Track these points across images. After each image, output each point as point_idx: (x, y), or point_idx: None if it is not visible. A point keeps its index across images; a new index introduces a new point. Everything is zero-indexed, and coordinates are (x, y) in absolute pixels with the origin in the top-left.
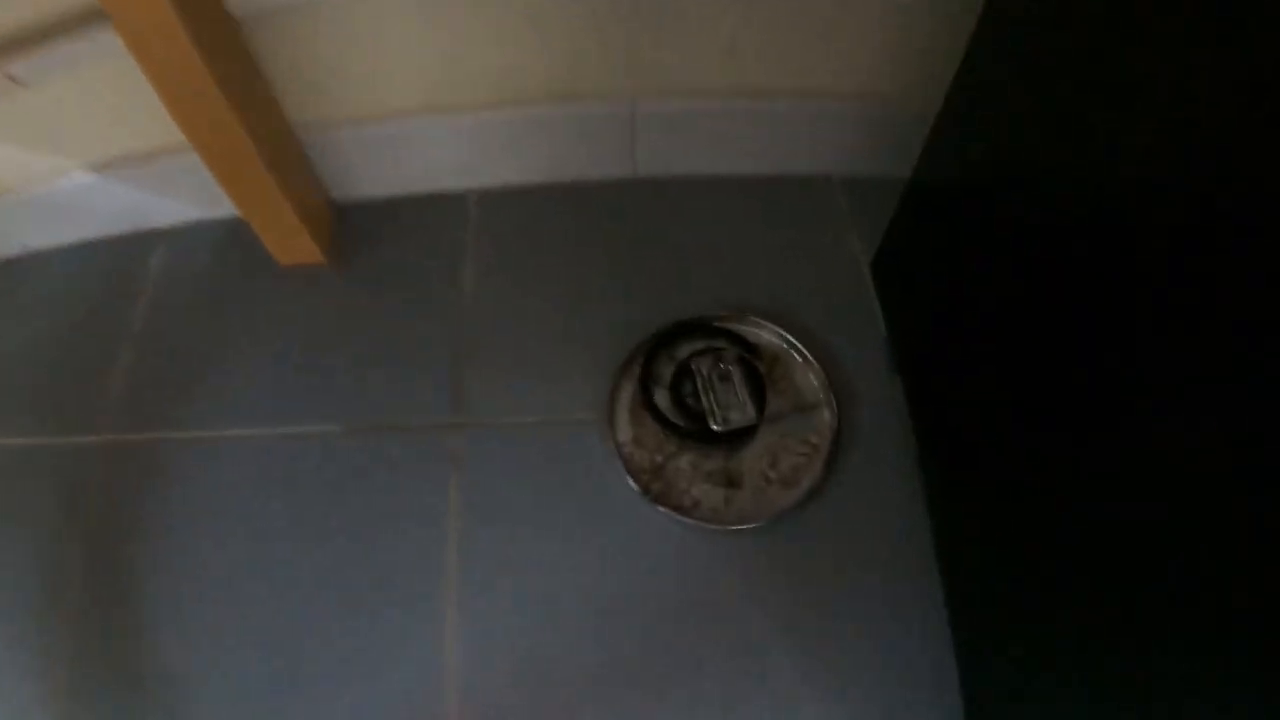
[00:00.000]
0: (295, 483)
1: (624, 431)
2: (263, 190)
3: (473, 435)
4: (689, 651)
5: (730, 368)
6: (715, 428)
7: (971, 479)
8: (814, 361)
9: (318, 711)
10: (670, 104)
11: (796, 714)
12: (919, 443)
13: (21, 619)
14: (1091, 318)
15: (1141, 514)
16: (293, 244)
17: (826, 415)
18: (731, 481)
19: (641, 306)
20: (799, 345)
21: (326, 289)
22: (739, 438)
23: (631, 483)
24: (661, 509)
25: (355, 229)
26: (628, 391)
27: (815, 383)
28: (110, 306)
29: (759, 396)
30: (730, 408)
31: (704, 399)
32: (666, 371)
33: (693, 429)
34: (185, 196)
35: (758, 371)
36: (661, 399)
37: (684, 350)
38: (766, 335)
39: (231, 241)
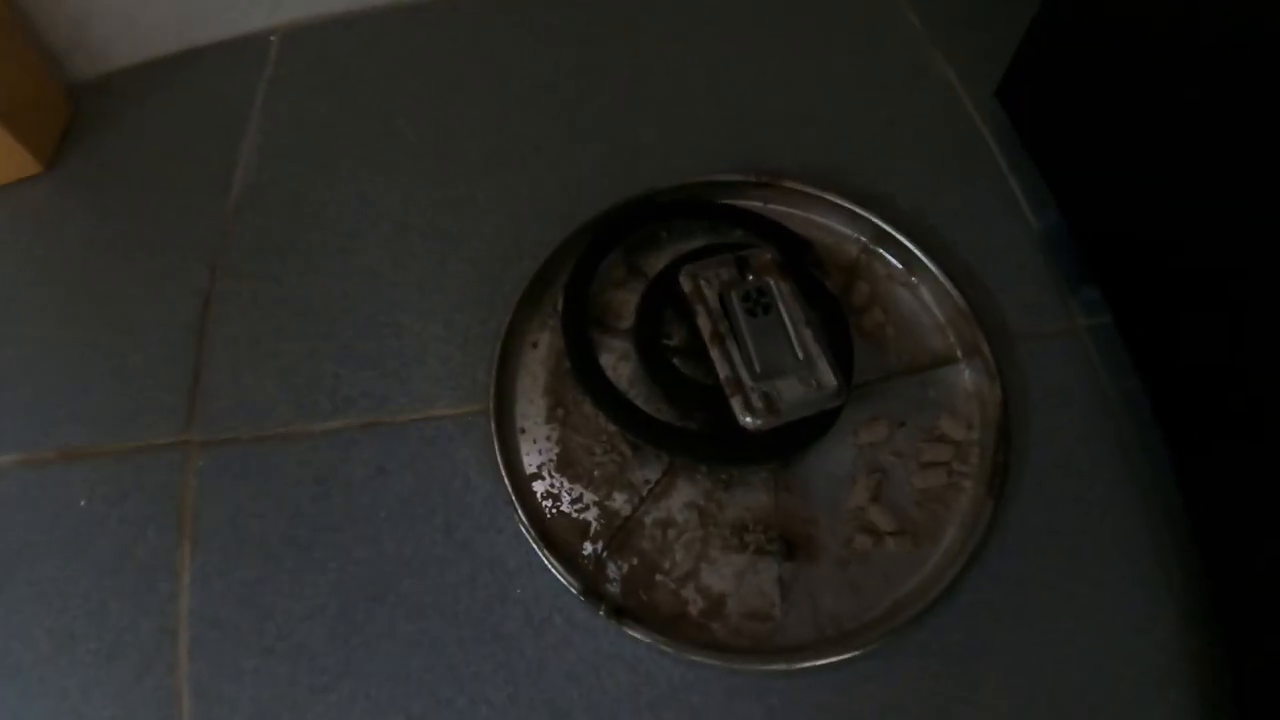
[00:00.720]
0: None
1: (535, 444)
2: None
3: (219, 460)
4: None
5: (771, 287)
6: (747, 421)
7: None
8: (929, 268)
9: None
10: None
11: None
12: (1160, 419)
13: None
14: None
15: None
16: None
17: (969, 377)
18: (790, 544)
19: (568, 174)
20: (895, 236)
21: (32, 218)
22: (799, 439)
23: (559, 572)
24: (635, 631)
25: (96, 115)
26: (540, 352)
27: (938, 313)
28: None
29: (836, 347)
30: (776, 374)
31: (716, 357)
32: (622, 303)
33: (692, 427)
34: None
35: (828, 294)
36: (614, 363)
37: (658, 257)
38: (825, 222)
39: None
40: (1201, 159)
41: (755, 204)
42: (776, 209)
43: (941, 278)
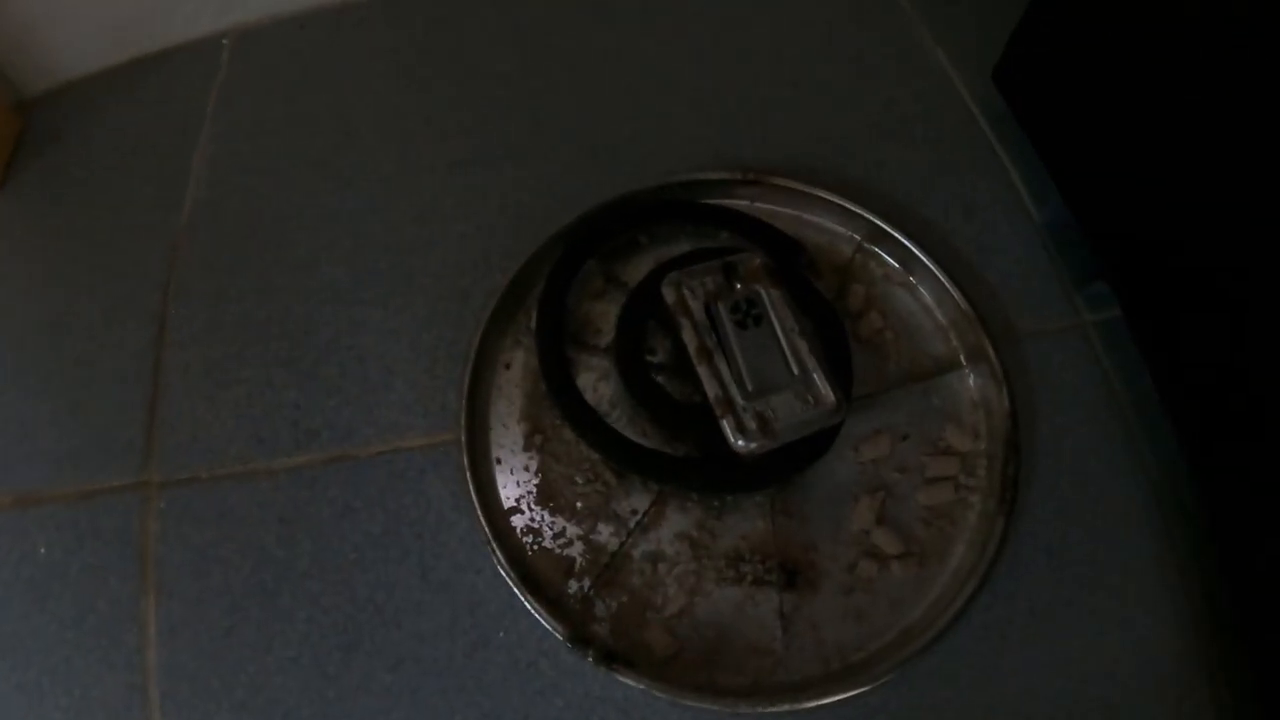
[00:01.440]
0: None
1: (512, 474)
2: None
3: (179, 502)
4: None
5: (761, 296)
6: (739, 444)
7: None
8: (929, 267)
9: None
10: None
11: None
12: (1173, 417)
13: None
14: None
15: None
16: None
17: (974, 383)
18: (789, 573)
19: (539, 177)
20: (890, 233)
21: None
22: (797, 460)
23: (541, 615)
24: (626, 676)
25: (50, 128)
26: (514, 373)
27: (939, 314)
28: None
29: (833, 358)
30: (769, 391)
31: (704, 375)
32: (601, 316)
33: (680, 451)
34: None
35: (822, 301)
36: (594, 382)
37: (638, 265)
38: (817, 220)
39: None
40: (1214, 141)
41: (742, 203)
42: (764, 208)
43: (941, 276)
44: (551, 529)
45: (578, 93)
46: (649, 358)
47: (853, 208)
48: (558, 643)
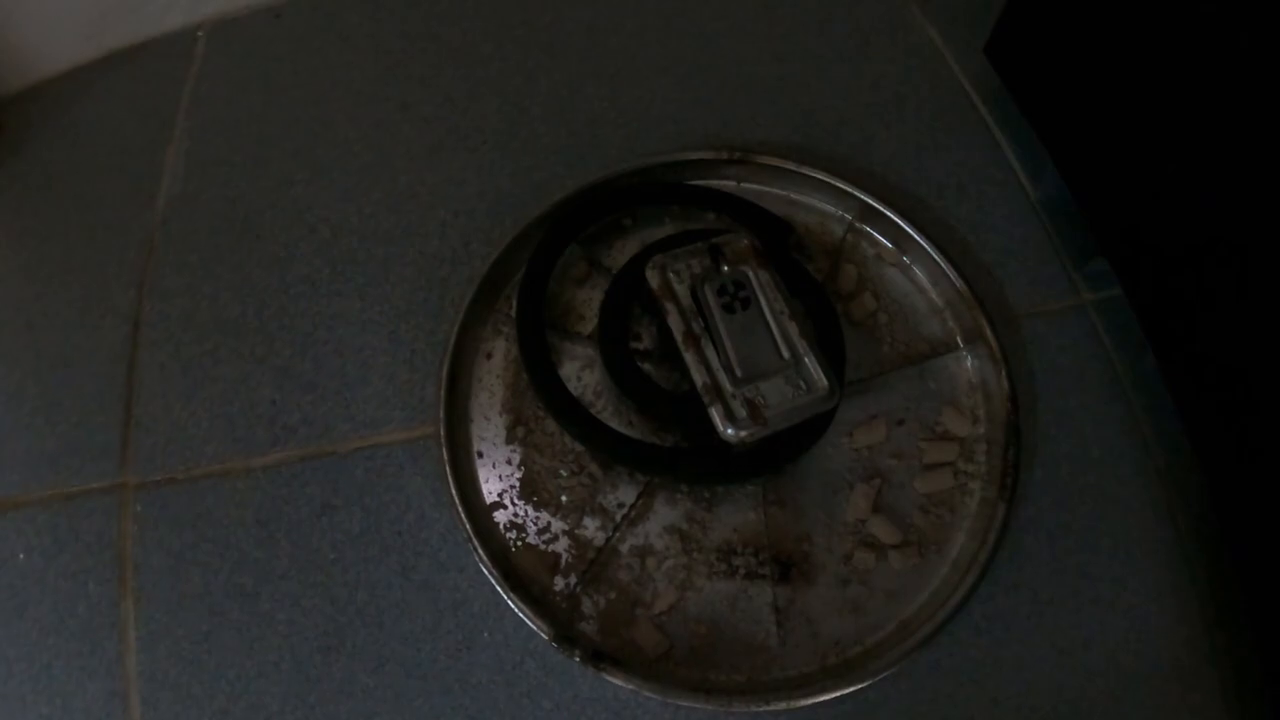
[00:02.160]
0: None
1: (494, 468)
2: None
3: (156, 503)
4: None
5: (749, 278)
6: (729, 433)
7: None
8: (924, 246)
9: None
10: None
11: None
12: (1177, 398)
13: None
14: None
15: None
16: None
17: (971, 365)
18: (783, 565)
19: (518, 160)
20: (883, 212)
21: None
22: (789, 448)
23: (526, 615)
24: (615, 677)
25: (23, 126)
26: (496, 362)
27: (934, 294)
28: None
29: (825, 341)
30: (759, 377)
31: (691, 361)
32: (584, 302)
33: (667, 440)
34: None
35: (812, 282)
36: (579, 371)
37: (623, 249)
38: (806, 199)
39: None
40: (1211, 112)
41: (728, 183)
42: (751, 188)
43: (936, 255)
44: (536, 524)
45: (557, 74)
46: (634, 345)
47: (843, 186)
48: (544, 643)
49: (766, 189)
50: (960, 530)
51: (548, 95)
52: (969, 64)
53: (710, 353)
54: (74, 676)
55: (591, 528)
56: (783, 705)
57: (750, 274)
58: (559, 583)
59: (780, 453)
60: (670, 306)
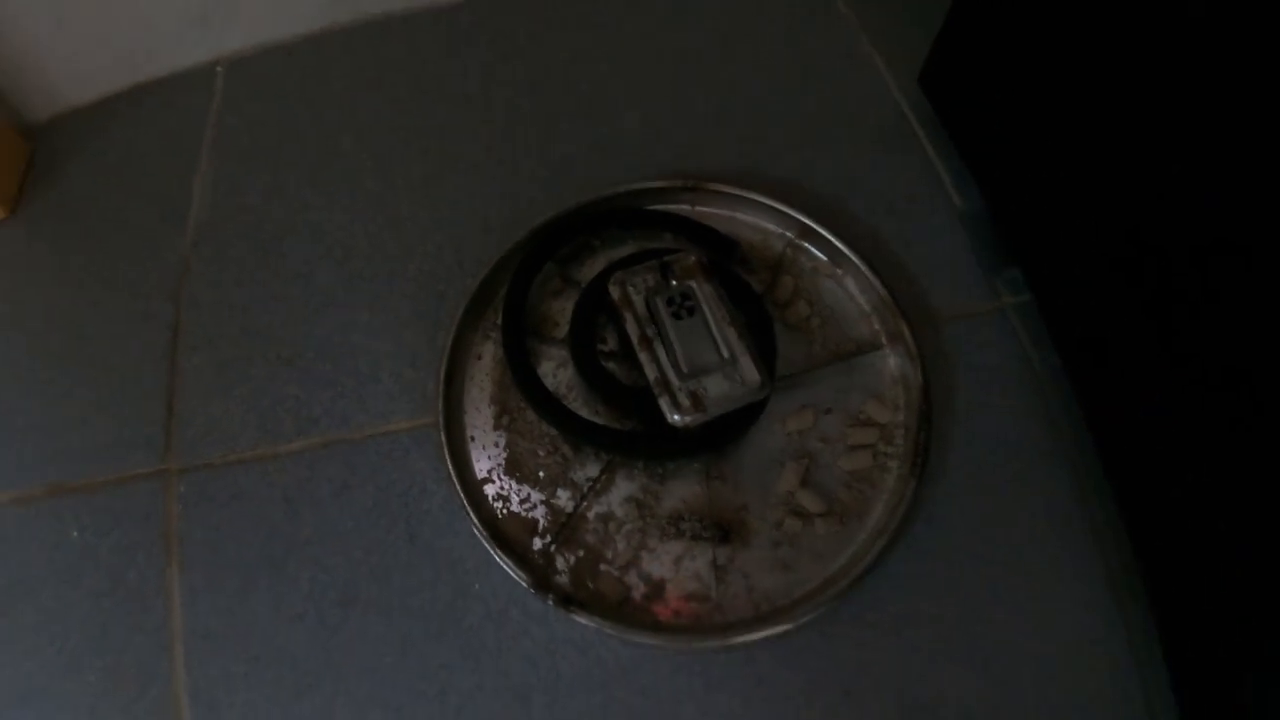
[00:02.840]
0: None
1: (484, 451)
2: None
3: (196, 486)
4: None
5: (694, 288)
6: (675, 419)
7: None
8: (853, 258)
9: None
10: None
11: None
12: (1078, 390)
13: None
14: None
15: None
16: None
17: (893, 362)
18: (725, 529)
19: (503, 189)
20: (818, 230)
21: (4, 260)
22: (727, 432)
23: (510, 568)
24: (582, 618)
25: (57, 154)
26: (485, 363)
27: (862, 301)
28: None
29: (760, 343)
30: (701, 373)
31: (644, 360)
32: (558, 312)
33: (627, 426)
34: None
35: (750, 292)
36: (554, 370)
37: (591, 265)
38: (752, 220)
39: None
40: (1108, 137)
41: (684, 208)
42: (704, 210)
43: (864, 268)
44: (518, 495)
45: (538, 110)
46: (600, 347)
47: (784, 208)
48: (525, 591)
49: (717, 211)
50: (879, 502)
51: (528, 131)
52: (910, 93)
53: (660, 353)
54: (125, 634)
55: (564, 498)
56: (718, 643)
57: (696, 286)
58: (537, 543)
59: (719, 436)
60: (628, 315)
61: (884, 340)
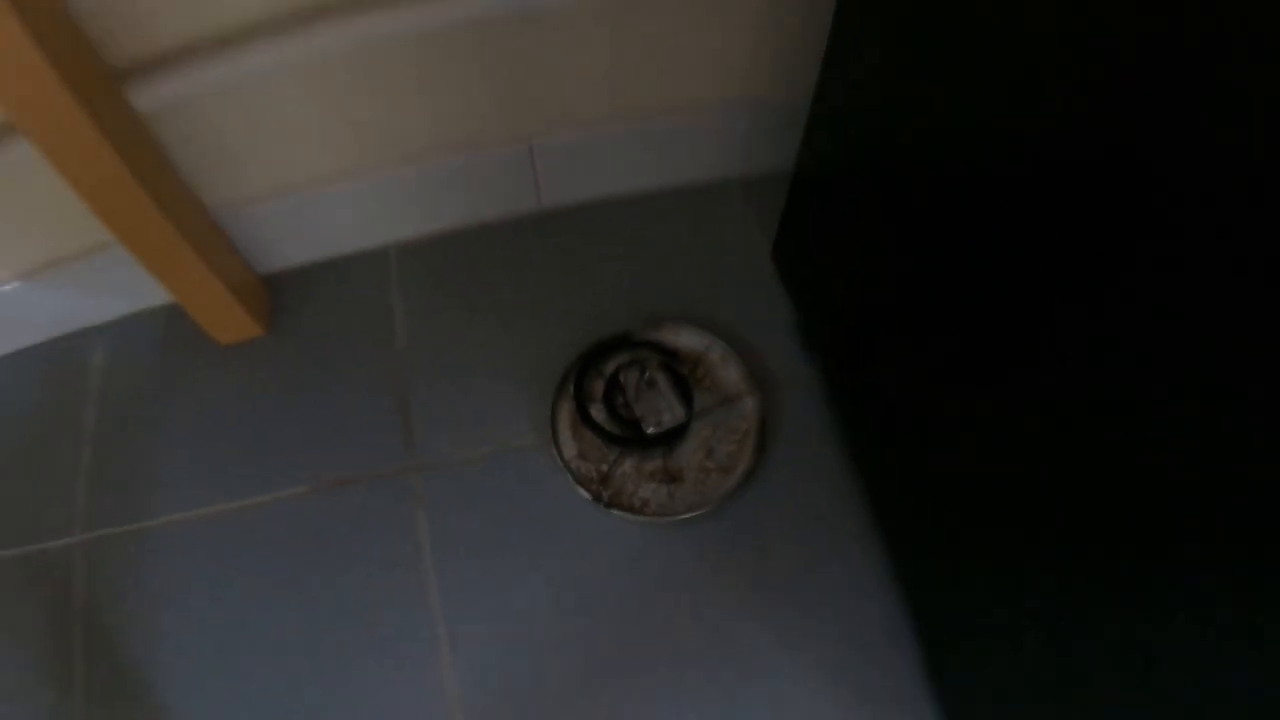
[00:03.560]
0: (271, 549)
1: (568, 448)
2: (193, 274)
3: (430, 475)
4: (664, 640)
5: (655, 374)
6: (650, 431)
7: (891, 439)
8: (733, 355)
9: None
10: (563, 136)
11: (779, 679)
12: (841, 414)
13: None
14: (982, 269)
15: (1036, 452)
16: (229, 322)
17: (750, 403)
18: (673, 477)
19: (567, 329)
20: (717, 342)
21: (268, 360)
22: (673, 436)
23: (583, 493)
24: (615, 512)
25: (289, 297)
26: (566, 410)
27: (737, 375)
28: (60, 411)
29: (686, 396)
30: (661, 410)
31: (635, 407)
32: (597, 387)
33: (629, 435)
34: (117, 290)
35: (680, 374)
36: (597, 413)
37: (610, 364)
38: (685, 338)
39: (170, 328)
40: (882, 302)
41: (651, 334)
42: (659, 335)
43: (738, 359)
44: (584, 465)
45: (578, 297)
46: (617, 402)
47: (702, 332)
48: (588, 502)
49: (665, 335)
50: (741, 467)
51: (569, 309)
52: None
53: (641, 405)
54: (385, 610)
55: (604, 466)
56: (669, 519)
57: (655, 373)
58: (593, 485)
59: (669, 439)
60: (628, 385)
61: (746, 393)
